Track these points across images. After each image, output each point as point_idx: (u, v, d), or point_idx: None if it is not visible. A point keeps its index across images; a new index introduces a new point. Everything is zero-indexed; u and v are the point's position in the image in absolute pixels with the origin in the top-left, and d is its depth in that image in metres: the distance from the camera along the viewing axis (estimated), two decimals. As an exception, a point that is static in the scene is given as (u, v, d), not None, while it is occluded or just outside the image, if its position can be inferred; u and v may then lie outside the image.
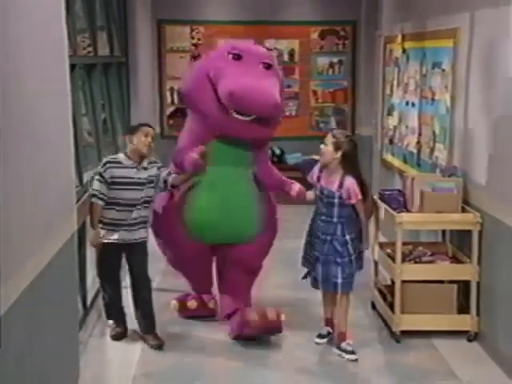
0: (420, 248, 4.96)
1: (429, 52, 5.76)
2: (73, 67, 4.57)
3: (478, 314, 4.60)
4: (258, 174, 4.77)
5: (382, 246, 5.15)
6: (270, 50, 5.32)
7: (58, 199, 3.78)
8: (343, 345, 4.44)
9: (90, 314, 4.91)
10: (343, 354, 4.41)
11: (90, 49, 5.92)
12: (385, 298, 5.02)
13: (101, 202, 4.42)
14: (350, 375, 4.30)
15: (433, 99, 5.63)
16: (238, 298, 4.82)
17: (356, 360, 4.36)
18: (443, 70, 5.40)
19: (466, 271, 4.60)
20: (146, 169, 4.51)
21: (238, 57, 4.61)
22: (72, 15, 4.75)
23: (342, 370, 4.32)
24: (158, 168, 4.60)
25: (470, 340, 4.63)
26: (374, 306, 5.23)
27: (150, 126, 4.62)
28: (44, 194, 3.46)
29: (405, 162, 6.40)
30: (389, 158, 6.98)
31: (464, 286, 4.67)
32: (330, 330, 4.63)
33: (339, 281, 4.37)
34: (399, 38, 6.53)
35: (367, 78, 8.48)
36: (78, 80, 5.05)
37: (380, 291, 5.15)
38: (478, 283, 4.57)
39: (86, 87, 5.63)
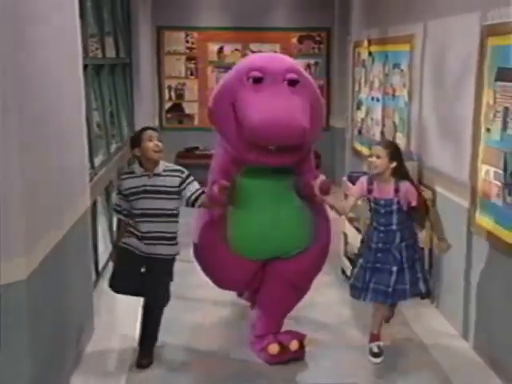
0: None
1: (390, 55, 5.78)
2: (85, 67, 4.59)
3: (429, 275, 4.54)
4: (301, 185, 3.77)
5: (350, 220, 5.17)
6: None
7: (74, 179, 3.85)
8: (372, 345, 3.94)
9: (101, 278, 4.98)
10: (369, 356, 3.91)
11: (99, 51, 5.93)
12: (353, 264, 5.05)
13: (121, 216, 3.84)
14: (324, 324, 4.39)
15: (393, 95, 5.67)
16: (273, 319, 3.98)
17: (377, 363, 3.88)
18: (402, 70, 5.44)
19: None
20: (159, 175, 3.72)
21: (258, 80, 3.55)
22: (84, 22, 4.79)
23: (317, 318, 4.43)
24: (183, 178, 3.72)
25: (422, 298, 4.59)
26: (343, 271, 5.31)
27: (151, 128, 3.90)
28: (62, 174, 3.55)
29: (371, 149, 6.48)
30: (358, 146, 7.01)
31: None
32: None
33: (400, 287, 3.80)
34: (366, 43, 6.55)
35: (340, 77, 8.47)
36: (89, 78, 5.08)
37: (348, 259, 5.22)
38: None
39: (95, 85, 5.63)
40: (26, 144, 2.85)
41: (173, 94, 9.21)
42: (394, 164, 3.76)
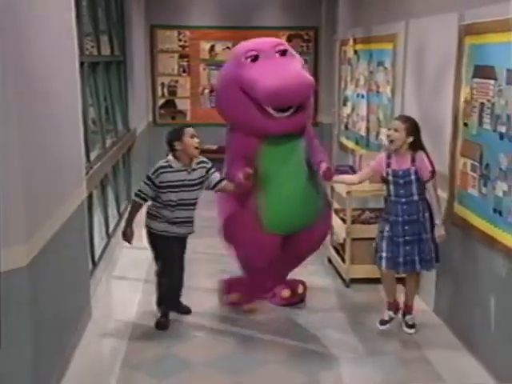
0: (367, 212, 5.12)
1: (374, 53, 5.83)
2: (81, 64, 4.60)
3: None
4: (311, 155, 4.15)
5: (336, 211, 5.24)
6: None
7: (70, 172, 3.90)
8: (407, 317, 4.09)
9: (97, 267, 5.01)
10: (403, 326, 4.08)
11: (95, 49, 5.92)
12: (338, 253, 5.19)
13: (142, 202, 4.02)
14: (311, 309, 4.48)
15: (378, 91, 5.72)
16: (280, 280, 4.53)
17: (411, 334, 4.04)
18: (385, 68, 5.49)
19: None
20: (195, 170, 3.99)
21: (255, 58, 3.94)
22: (80, 21, 4.79)
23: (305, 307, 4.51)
24: (208, 168, 4.05)
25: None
26: (329, 260, 5.39)
27: (190, 126, 4.08)
28: (60, 167, 3.60)
29: (357, 143, 6.47)
30: (344, 140, 7.06)
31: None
32: (393, 315, 4.13)
33: (428, 257, 3.89)
34: (351, 42, 6.58)
35: (327, 75, 8.50)
36: (85, 75, 5.07)
37: (335, 248, 5.32)
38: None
39: (91, 82, 5.64)
40: (25, 137, 2.90)
41: (166, 90, 9.23)
42: (411, 139, 3.82)
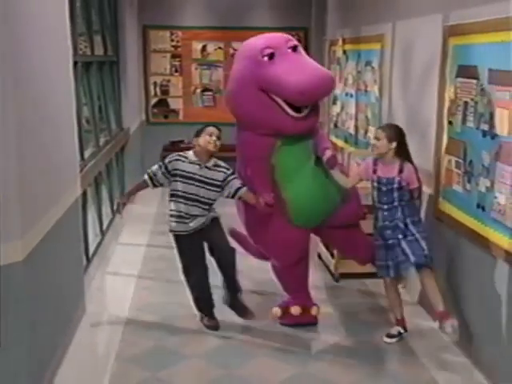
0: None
1: (363, 53, 5.88)
2: (75, 64, 4.61)
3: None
4: (316, 146, 4.00)
5: None
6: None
7: (65, 170, 3.92)
8: (446, 325, 3.61)
9: (91, 263, 5.04)
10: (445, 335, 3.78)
11: (88, 49, 5.93)
12: (328, 249, 5.20)
13: (149, 182, 4.03)
14: None
15: (366, 91, 5.77)
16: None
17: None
18: (373, 68, 5.54)
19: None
20: (209, 168, 3.98)
21: (271, 55, 3.80)
22: (74, 22, 4.80)
23: None
24: (227, 175, 4.01)
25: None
26: (319, 256, 5.42)
27: (215, 127, 4.05)
28: (54, 165, 3.62)
29: (346, 141, 6.52)
30: (333, 138, 7.06)
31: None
32: (402, 330, 3.99)
33: (411, 258, 3.77)
34: (340, 42, 6.64)
35: None
36: (78, 75, 5.10)
37: (324, 244, 5.27)
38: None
39: (84, 81, 5.66)
40: (21, 135, 2.93)
41: (158, 90, 9.26)
42: (394, 144, 3.82)
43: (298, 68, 3.75)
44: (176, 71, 9.30)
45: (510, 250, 3.20)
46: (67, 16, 4.11)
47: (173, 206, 4.01)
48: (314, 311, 4.18)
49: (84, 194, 4.90)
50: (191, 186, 3.96)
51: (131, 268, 5.22)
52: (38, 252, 3.10)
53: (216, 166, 4.03)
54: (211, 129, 4.01)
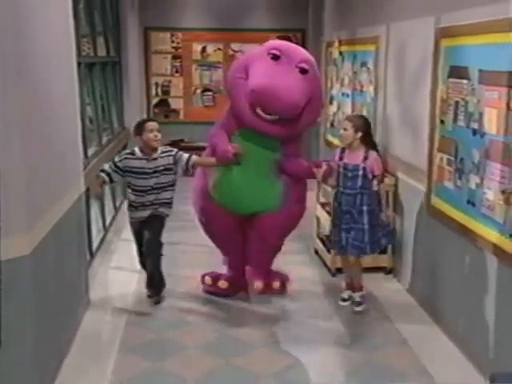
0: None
1: (358, 54, 5.91)
2: (78, 65, 4.64)
3: (393, 253, 4.89)
4: (284, 165, 4.16)
5: (322, 205, 5.34)
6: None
7: (69, 168, 3.97)
8: (355, 294, 4.32)
9: (95, 258, 5.10)
10: (352, 303, 4.30)
11: (91, 50, 5.98)
12: (324, 245, 5.25)
13: (103, 175, 4.26)
14: (297, 297, 4.57)
15: (361, 91, 5.80)
16: (260, 270, 4.41)
17: (358, 312, 4.24)
18: (368, 68, 5.57)
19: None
20: (157, 159, 4.19)
21: (276, 57, 3.91)
22: (77, 23, 4.83)
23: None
24: (173, 156, 4.21)
25: (386, 273, 4.93)
26: (316, 251, 5.45)
27: (151, 120, 4.32)
28: (59, 162, 3.67)
29: (341, 141, 6.64)
30: (330, 138, 7.14)
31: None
32: (352, 294, 4.36)
33: (350, 243, 4.13)
34: (337, 43, 6.66)
35: None
36: (82, 75, 5.13)
37: (321, 239, 5.38)
38: (393, 230, 4.76)
39: (88, 82, 5.69)
40: (27, 134, 2.98)
41: (159, 90, 9.33)
42: (359, 134, 4.07)
43: (273, 77, 3.84)
44: (177, 72, 9.36)
45: (498, 244, 3.26)
46: (71, 18, 4.15)
47: (129, 196, 4.31)
48: (222, 285, 4.45)
49: (87, 190, 4.94)
50: (143, 180, 4.19)
51: (134, 263, 5.22)
52: (44, 246, 3.15)
53: (162, 153, 4.22)
54: (150, 125, 4.17)
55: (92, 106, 5.89)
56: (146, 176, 4.19)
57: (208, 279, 4.54)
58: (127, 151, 4.36)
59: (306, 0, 8.85)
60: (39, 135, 3.21)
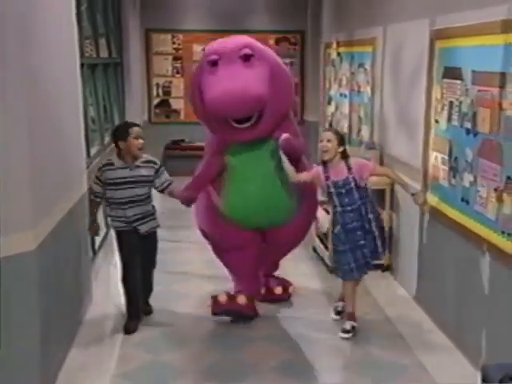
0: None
1: (356, 55, 5.95)
2: (81, 66, 4.66)
3: (389, 251, 4.92)
4: (281, 147, 3.77)
5: (321, 203, 5.24)
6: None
7: (73, 166, 4.02)
8: (346, 322, 3.99)
9: (97, 255, 5.13)
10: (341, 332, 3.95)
11: (94, 52, 6.00)
12: (322, 242, 5.31)
13: (96, 199, 4.03)
14: (295, 293, 4.58)
15: (359, 91, 5.84)
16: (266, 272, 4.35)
17: (345, 338, 3.91)
18: (365, 69, 5.61)
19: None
20: (139, 167, 3.88)
21: (214, 63, 3.67)
22: (80, 25, 4.86)
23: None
24: (156, 170, 3.92)
25: (383, 271, 4.95)
26: (314, 249, 5.50)
27: (136, 125, 3.96)
28: (63, 162, 3.73)
29: (323, 153, 6.58)
30: (328, 138, 7.26)
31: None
32: (355, 324, 4.01)
33: (361, 263, 3.88)
34: (335, 45, 6.71)
35: (313, 76, 8.59)
36: (85, 76, 5.14)
37: (319, 237, 5.43)
38: (390, 228, 4.86)
39: (90, 82, 5.72)
40: (32, 134, 3.02)
41: (160, 91, 9.35)
42: (342, 148, 3.85)
43: (218, 83, 3.56)
44: (177, 73, 9.39)
45: (491, 241, 3.31)
46: (74, 20, 4.19)
47: (110, 211, 3.96)
48: (240, 300, 4.04)
49: (90, 189, 4.96)
50: (127, 191, 3.85)
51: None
52: (48, 242, 3.19)
53: (146, 162, 3.91)
54: (136, 130, 3.83)
55: (94, 106, 5.92)
56: (128, 186, 3.84)
57: (223, 297, 4.05)
58: (104, 163, 3.96)
59: (306, 2, 8.88)
60: (43, 135, 3.25)
